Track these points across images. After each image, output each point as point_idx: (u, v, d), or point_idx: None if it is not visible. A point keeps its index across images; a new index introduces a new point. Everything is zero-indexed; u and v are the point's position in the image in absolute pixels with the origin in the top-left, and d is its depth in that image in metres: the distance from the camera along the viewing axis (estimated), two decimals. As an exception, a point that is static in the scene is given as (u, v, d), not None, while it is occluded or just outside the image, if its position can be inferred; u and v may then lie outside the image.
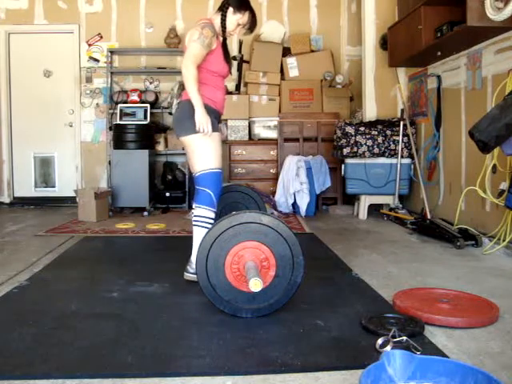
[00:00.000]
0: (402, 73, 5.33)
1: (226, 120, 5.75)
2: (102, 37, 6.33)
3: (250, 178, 5.82)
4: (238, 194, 3.27)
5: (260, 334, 2.00)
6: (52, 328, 2.07)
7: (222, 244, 2.18)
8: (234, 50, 6.28)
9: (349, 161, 5.09)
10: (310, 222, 4.89)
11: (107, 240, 4.09)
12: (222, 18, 2.75)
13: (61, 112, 6.41)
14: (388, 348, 1.74)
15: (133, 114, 5.61)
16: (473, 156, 3.86)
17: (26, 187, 6.45)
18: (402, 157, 4.96)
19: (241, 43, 6.02)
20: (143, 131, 5.57)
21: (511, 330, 2.04)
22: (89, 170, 6.43)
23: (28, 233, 4.33)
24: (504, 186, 3.33)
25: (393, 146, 4.96)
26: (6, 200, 6.37)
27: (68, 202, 6.13)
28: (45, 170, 6.51)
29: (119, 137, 5.57)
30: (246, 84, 6.08)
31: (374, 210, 5.22)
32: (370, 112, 5.41)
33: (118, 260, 3.38)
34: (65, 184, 6.42)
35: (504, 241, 3.36)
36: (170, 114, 6.02)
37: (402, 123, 4.94)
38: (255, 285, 1.99)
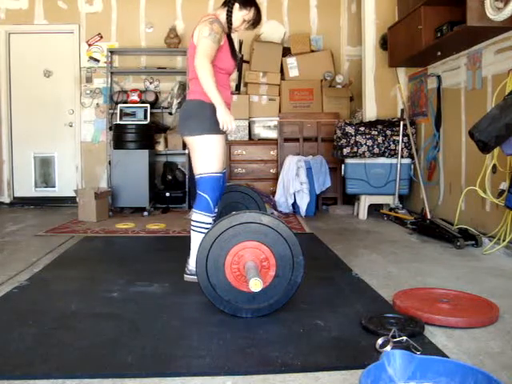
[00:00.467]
0: (402, 73, 5.33)
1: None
2: (102, 37, 6.33)
3: (249, 178, 5.82)
4: (238, 194, 3.27)
5: (260, 334, 2.00)
6: (52, 328, 2.07)
7: (222, 244, 2.18)
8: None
9: (349, 161, 5.09)
10: (310, 221, 4.89)
11: (107, 240, 4.09)
12: (227, 14, 2.70)
13: (61, 112, 6.41)
14: (388, 348, 1.74)
15: (133, 114, 5.61)
16: (473, 156, 3.86)
17: (26, 187, 6.45)
18: (402, 157, 4.96)
19: (241, 43, 6.01)
20: (143, 131, 5.57)
21: (511, 330, 2.04)
22: (89, 170, 6.43)
23: (28, 233, 4.33)
24: (504, 185, 3.33)
25: (393, 146, 4.96)
26: (6, 200, 6.37)
27: (68, 201, 6.13)
28: (45, 169, 6.51)
29: (119, 137, 5.57)
30: (246, 84, 6.08)
31: (374, 209, 5.22)
32: (370, 112, 5.42)
33: (118, 260, 3.38)
34: (65, 184, 6.42)
35: (504, 241, 3.36)
36: (170, 113, 6.04)
37: (401, 123, 4.94)
38: (255, 285, 1.99)
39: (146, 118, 5.60)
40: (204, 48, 2.53)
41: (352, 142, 4.98)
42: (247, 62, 6.12)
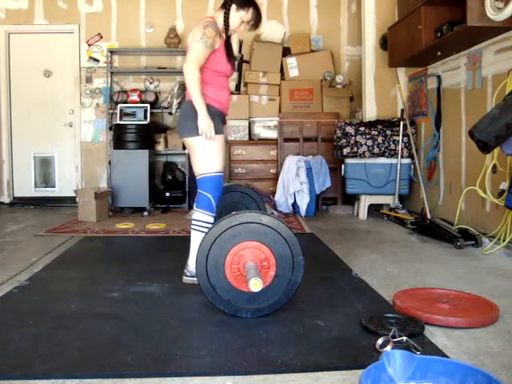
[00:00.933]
0: (402, 73, 5.33)
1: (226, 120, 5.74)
2: (101, 37, 6.33)
3: (249, 178, 5.82)
4: (238, 194, 3.27)
5: (260, 334, 2.00)
6: (52, 328, 2.07)
7: (222, 244, 2.18)
8: (234, 51, 6.28)
9: (349, 161, 5.09)
10: (310, 222, 4.89)
11: (107, 240, 4.09)
12: (225, 16, 2.69)
13: (61, 112, 6.41)
14: (388, 348, 1.74)
15: (133, 114, 5.61)
16: (473, 156, 3.86)
17: (26, 187, 6.45)
18: (402, 157, 4.96)
19: (241, 43, 6.02)
20: (143, 131, 5.57)
21: (511, 330, 2.04)
22: (89, 170, 6.43)
23: (28, 233, 4.33)
24: (504, 185, 3.33)
25: (393, 146, 4.96)
26: (6, 200, 6.37)
27: (68, 201, 6.13)
28: (45, 170, 6.51)
29: (119, 137, 5.57)
30: (246, 84, 6.08)
31: (374, 209, 5.22)
32: (370, 112, 5.41)
33: (118, 260, 3.38)
34: (65, 184, 6.42)
35: (504, 241, 3.36)
36: (170, 113, 6.04)
37: (402, 123, 4.94)
38: (255, 285, 1.99)
39: (146, 118, 5.60)
40: (194, 53, 2.55)
41: (352, 142, 4.98)
42: (247, 62, 6.12)
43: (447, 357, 1.76)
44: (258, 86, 5.99)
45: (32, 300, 2.46)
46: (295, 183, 5.20)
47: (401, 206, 4.97)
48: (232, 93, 5.94)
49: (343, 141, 5.03)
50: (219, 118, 2.69)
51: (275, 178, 5.72)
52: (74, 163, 6.45)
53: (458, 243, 3.58)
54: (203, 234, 2.48)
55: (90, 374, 1.66)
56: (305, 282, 2.25)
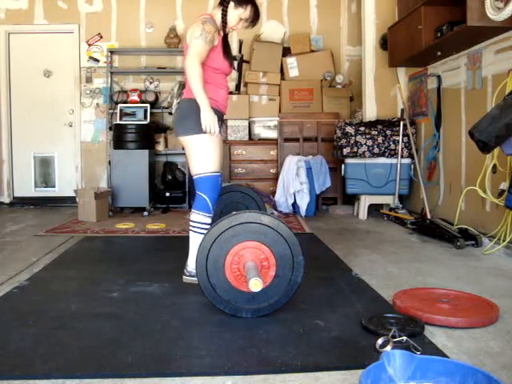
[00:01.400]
0: (402, 73, 5.33)
1: (226, 120, 5.75)
2: (101, 37, 6.33)
3: (249, 178, 5.82)
4: (238, 194, 3.27)
5: (260, 334, 2.00)
6: (52, 328, 2.07)
7: (222, 244, 2.18)
8: (234, 50, 6.28)
9: (349, 161, 5.09)
10: (310, 222, 4.89)
11: (107, 240, 4.09)
12: (222, 13, 2.67)
13: (61, 112, 6.41)
14: (388, 348, 1.74)
15: (133, 114, 5.61)
16: (473, 156, 3.86)
17: (26, 187, 6.45)
18: (402, 157, 4.96)
19: (241, 43, 6.02)
20: (143, 131, 5.57)
21: (511, 330, 2.04)
22: (89, 170, 6.43)
23: (28, 233, 4.33)
24: (504, 185, 3.33)
25: (393, 146, 4.96)
26: (6, 200, 6.37)
27: (68, 202, 6.13)
28: (45, 170, 6.51)
29: (119, 137, 5.57)
30: (246, 84, 6.08)
31: (374, 209, 5.22)
32: (370, 112, 5.42)
33: (118, 260, 3.38)
34: (65, 184, 6.42)
35: (504, 241, 3.36)
36: (170, 113, 6.03)
37: (402, 123, 4.94)
38: (255, 285, 1.99)
39: (145, 117, 5.60)
40: (195, 49, 2.53)
41: (352, 141, 4.98)
42: (247, 62, 6.12)
43: (447, 357, 1.76)
44: (258, 85, 5.99)
45: (32, 300, 2.46)
46: (295, 183, 5.20)
47: (401, 205, 4.97)
48: (232, 93, 5.94)
49: (343, 141, 5.03)
50: (217, 117, 2.67)
51: (275, 178, 5.71)
52: (74, 163, 6.45)
53: (458, 243, 3.58)
54: (201, 235, 2.48)
55: (90, 374, 1.66)
56: (305, 282, 2.25)
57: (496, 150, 3.32)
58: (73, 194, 5.47)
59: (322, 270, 2.97)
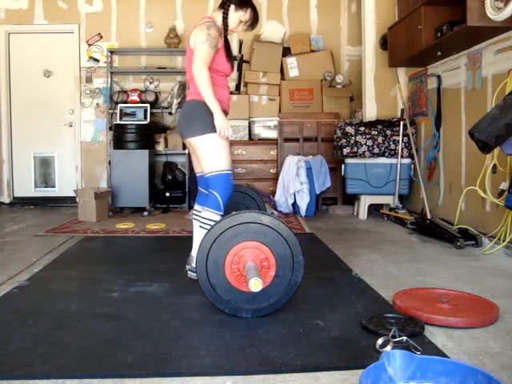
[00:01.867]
0: (402, 73, 5.33)
1: (226, 120, 5.74)
2: (101, 37, 6.33)
3: (250, 178, 5.82)
4: (237, 194, 3.27)
5: (260, 334, 2.00)
6: (52, 328, 2.07)
7: (222, 244, 2.18)
8: (234, 50, 6.28)
9: (349, 161, 5.09)
10: (310, 222, 4.89)
11: (107, 240, 4.09)
12: (223, 16, 2.70)
13: (61, 112, 6.41)
14: (388, 348, 1.74)
15: (133, 114, 5.61)
16: (473, 156, 3.86)
17: (26, 187, 6.45)
18: (402, 157, 4.96)
19: (241, 43, 6.02)
20: (143, 131, 5.57)
21: (511, 330, 2.04)
22: (89, 170, 6.43)
23: (28, 233, 4.33)
24: (504, 185, 3.33)
25: (393, 146, 4.97)
26: (6, 200, 6.37)
27: (68, 201, 6.13)
28: (45, 169, 6.51)
29: (119, 137, 5.57)
30: (246, 84, 6.08)
31: (374, 209, 5.22)
32: (370, 112, 5.42)
33: (118, 260, 3.38)
34: (65, 184, 6.42)
35: (504, 241, 3.36)
36: (170, 113, 6.04)
37: (402, 123, 4.94)
38: (255, 285, 1.99)
39: (145, 117, 5.60)
40: (201, 54, 2.54)
41: (352, 141, 4.98)
42: (247, 62, 6.12)
43: (447, 357, 1.76)
44: (258, 85, 5.99)
45: (32, 300, 2.46)
46: (295, 183, 5.20)
47: (401, 205, 4.97)
48: (232, 93, 5.94)
49: (343, 141, 5.03)
50: None
51: (275, 178, 5.72)
52: (74, 163, 6.45)
53: (458, 243, 3.58)
54: None
55: (90, 374, 1.66)
56: (305, 282, 2.25)
57: (496, 150, 3.32)
58: (73, 194, 5.47)
59: (322, 270, 2.97)
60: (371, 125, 5.06)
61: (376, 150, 4.97)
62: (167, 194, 5.86)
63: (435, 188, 4.65)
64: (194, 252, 2.68)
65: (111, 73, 6.20)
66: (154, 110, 6.01)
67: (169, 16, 6.31)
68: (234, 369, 1.69)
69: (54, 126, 6.41)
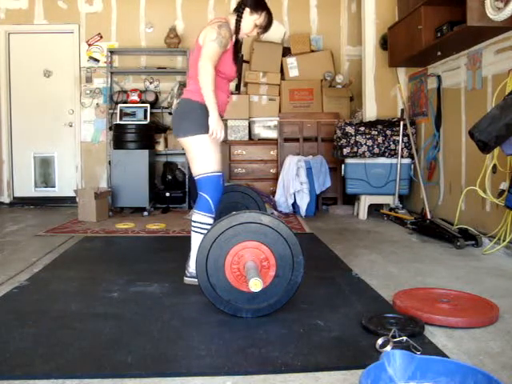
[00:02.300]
0: (402, 73, 5.33)
1: (226, 120, 5.75)
2: (101, 37, 6.33)
3: (250, 178, 5.82)
4: (238, 194, 3.27)
5: (260, 334, 1.99)
6: (52, 328, 2.07)
7: (222, 244, 2.18)
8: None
9: (349, 161, 5.09)
10: (310, 222, 4.89)
11: (107, 240, 4.09)
12: (237, 19, 2.68)
13: (61, 112, 6.41)
14: (388, 348, 1.74)
15: (133, 114, 5.62)
16: (473, 156, 3.86)
17: (26, 187, 6.45)
18: (402, 157, 4.96)
19: (241, 43, 6.00)
20: (143, 131, 5.57)
21: (511, 330, 2.04)
22: (89, 170, 6.44)
23: (28, 233, 4.33)
24: (504, 185, 3.33)
25: (393, 146, 4.96)
26: (6, 200, 6.37)
27: (68, 202, 6.13)
28: (45, 169, 6.51)
29: (119, 137, 5.57)
30: (246, 84, 6.08)
31: (374, 209, 5.22)
32: (370, 112, 5.42)
33: (118, 260, 3.38)
34: (65, 184, 6.42)
35: (504, 241, 3.36)
36: (170, 113, 6.03)
37: (402, 123, 4.94)
38: (255, 285, 1.99)
39: (145, 117, 5.60)
40: (209, 51, 2.52)
41: (352, 141, 4.98)
42: (247, 62, 6.12)
43: (447, 357, 1.76)
44: (258, 85, 5.99)
45: (32, 300, 2.46)
46: (295, 183, 5.20)
47: (401, 206, 4.97)
48: (232, 93, 5.94)
49: (343, 141, 5.03)
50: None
51: (275, 178, 5.71)
52: (74, 163, 6.45)
53: (458, 243, 3.58)
54: (201, 236, 2.47)
55: (90, 374, 1.66)
56: (305, 282, 2.25)
57: (496, 150, 3.32)
58: (73, 194, 5.47)
59: (322, 270, 2.97)
60: (371, 125, 5.06)
61: (376, 150, 4.97)
62: (167, 194, 5.86)
63: (435, 188, 4.65)
64: (191, 262, 2.67)
65: (111, 73, 6.20)
66: (154, 110, 6.01)
67: (169, 16, 6.31)
68: (234, 369, 1.69)
69: (54, 126, 6.41)
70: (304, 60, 6.06)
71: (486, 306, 2.23)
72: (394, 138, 4.96)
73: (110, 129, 5.89)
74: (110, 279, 2.82)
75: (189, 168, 5.84)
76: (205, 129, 2.57)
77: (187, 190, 5.93)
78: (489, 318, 2.11)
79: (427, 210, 4.53)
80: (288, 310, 2.23)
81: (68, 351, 1.83)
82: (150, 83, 6.35)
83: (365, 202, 5.11)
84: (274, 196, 5.46)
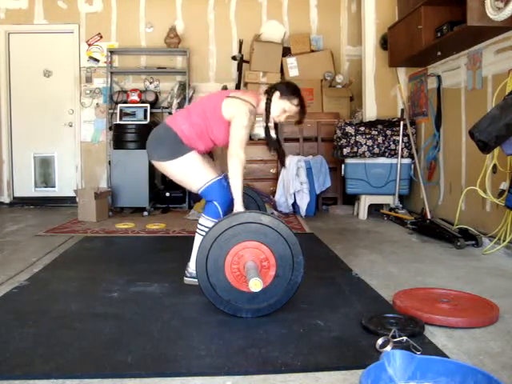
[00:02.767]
0: (402, 73, 5.33)
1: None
2: (101, 37, 6.33)
3: (250, 178, 5.81)
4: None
5: (260, 334, 1.99)
6: (52, 328, 2.07)
7: (222, 244, 2.17)
8: (234, 50, 6.29)
9: (349, 161, 5.09)
10: (310, 222, 4.89)
11: (107, 240, 4.09)
12: (267, 102, 2.63)
13: (61, 112, 6.41)
14: (388, 348, 1.74)
15: (133, 114, 5.62)
16: (473, 156, 3.86)
17: (26, 187, 6.45)
18: (402, 157, 4.96)
19: (241, 43, 6.02)
20: (143, 131, 5.57)
21: (511, 330, 2.04)
22: (89, 170, 6.44)
23: (28, 233, 4.33)
24: (504, 185, 3.33)
25: (393, 146, 4.96)
26: (6, 200, 6.37)
27: (68, 202, 6.13)
28: (45, 169, 6.51)
29: (119, 137, 5.57)
30: (246, 84, 6.08)
31: (374, 209, 5.22)
32: (370, 112, 5.42)
33: (118, 260, 3.38)
34: (65, 184, 6.42)
35: (504, 241, 3.36)
36: (170, 113, 6.03)
37: (402, 123, 4.94)
38: (255, 285, 1.98)
39: (145, 117, 5.60)
40: (241, 139, 2.50)
41: (352, 141, 4.98)
42: (247, 62, 6.11)
43: (447, 357, 1.76)
44: (258, 85, 5.98)
45: (32, 300, 2.46)
46: (295, 183, 5.19)
47: (401, 206, 4.97)
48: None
49: (343, 141, 5.03)
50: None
51: (275, 178, 5.71)
52: (74, 163, 6.45)
53: (459, 243, 3.58)
54: None
55: (90, 374, 1.66)
56: (305, 281, 2.25)
57: (496, 150, 3.32)
58: (73, 194, 5.47)
59: (322, 270, 2.97)
60: (371, 125, 5.06)
61: (376, 150, 4.97)
62: (167, 194, 5.86)
63: (435, 188, 4.65)
64: (192, 263, 2.67)
65: (111, 73, 6.20)
66: (154, 110, 6.01)
67: (169, 16, 6.31)
68: (234, 369, 1.69)
69: (54, 126, 6.41)
70: (304, 60, 6.06)
71: (486, 306, 2.23)
72: (394, 137, 4.96)
73: (110, 129, 5.89)
74: (110, 279, 2.82)
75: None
76: (178, 154, 2.57)
77: (187, 190, 5.92)
78: (489, 317, 2.11)
79: (427, 209, 4.53)
80: (288, 309, 2.23)
81: (68, 351, 1.83)
82: (150, 83, 6.35)
83: (365, 202, 5.11)
84: (273, 196, 5.46)
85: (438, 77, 4.52)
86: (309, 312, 2.25)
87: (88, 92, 6.36)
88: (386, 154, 4.98)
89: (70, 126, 6.42)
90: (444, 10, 3.90)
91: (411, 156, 4.98)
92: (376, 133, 4.98)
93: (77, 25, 6.31)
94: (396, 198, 5.01)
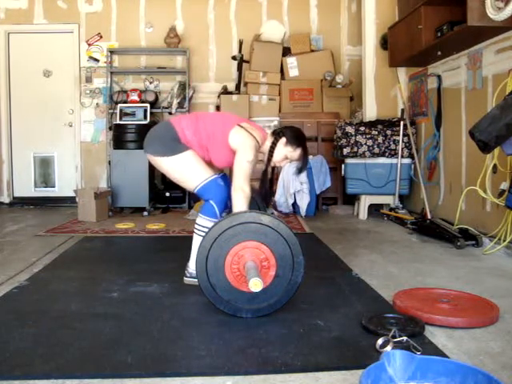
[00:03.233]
0: (403, 73, 5.33)
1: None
2: (101, 36, 6.33)
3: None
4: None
5: (260, 334, 1.99)
6: (52, 328, 2.07)
7: (222, 244, 2.17)
8: (234, 50, 6.29)
9: (349, 161, 5.09)
10: (310, 222, 4.89)
11: (107, 240, 4.09)
12: (271, 146, 2.65)
13: (61, 112, 6.41)
14: (388, 348, 1.74)
15: (133, 114, 5.62)
16: (473, 156, 3.86)
17: (26, 187, 6.45)
18: (402, 157, 4.96)
19: (241, 43, 6.01)
20: (143, 131, 5.54)
21: (511, 330, 2.03)
22: (89, 170, 6.43)
23: (28, 233, 4.32)
24: (504, 185, 3.32)
25: (393, 146, 4.96)
26: (6, 200, 6.37)
27: (68, 202, 6.13)
28: (45, 170, 6.51)
29: (119, 137, 5.57)
30: (246, 84, 6.08)
31: (374, 210, 5.22)
32: (370, 112, 5.41)
33: (118, 260, 3.38)
34: (65, 184, 6.42)
35: (504, 241, 3.36)
36: (170, 113, 6.04)
37: (402, 123, 4.94)
38: (255, 285, 1.98)
39: (145, 117, 5.60)
40: (245, 172, 2.50)
41: (352, 141, 4.98)
42: (247, 62, 6.11)
43: (447, 357, 1.76)
44: (258, 85, 5.99)
45: (32, 300, 2.46)
46: (295, 183, 5.19)
47: (401, 205, 4.97)
48: (232, 93, 5.96)
49: (343, 141, 5.03)
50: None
51: (275, 178, 5.70)
52: (74, 163, 6.45)
53: (459, 243, 3.58)
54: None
55: (90, 374, 1.66)
56: (305, 281, 2.25)
57: (496, 150, 3.32)
58: (73, 194, 5.47)
59: (322, 270, 2.97)
60: (371, 125, 5.06)
61: (376, 150, 4.97)
62: (167, 194, 5.86)
63: (435, 188, 4.65)
64: (191, 262, 2.67)
65: (111, 73, 6.20)
66: (154, 110, 6.01)
67: (169, 16, 6.31)
68: (234, 369, 1.69)
69: (54, 126, 6.41)
70: (304, 60, 6.06)
71: (486, 306, 2.23)
72: (394, 137, 4.96)
73: (110, 129, 5.89)
74: (110, 279, 2.82)
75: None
76: (174, 152, 2.58)
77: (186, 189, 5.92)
78: (489, 318, 2.10)
79: (427, 209, 4.53)
80: (288, 309, 2.22)
81: (68, 351, 1.83)
82: (150, 83, 6.35)
83: (365, 201, 5.11)
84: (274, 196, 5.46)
85: (438, 77, 4.52)
86: (309, 312, 2.25)
87: (88, 92, 6.36)
88: (386, 153, 4.98)
89: (70, 125, 6.42)
90: (444, 10, 3.90)
91: (411, 156, 4.97)
92: (376, 133, 4.98)
93: (77, 25, 6.31)
94: (396, 198, 5.01)
